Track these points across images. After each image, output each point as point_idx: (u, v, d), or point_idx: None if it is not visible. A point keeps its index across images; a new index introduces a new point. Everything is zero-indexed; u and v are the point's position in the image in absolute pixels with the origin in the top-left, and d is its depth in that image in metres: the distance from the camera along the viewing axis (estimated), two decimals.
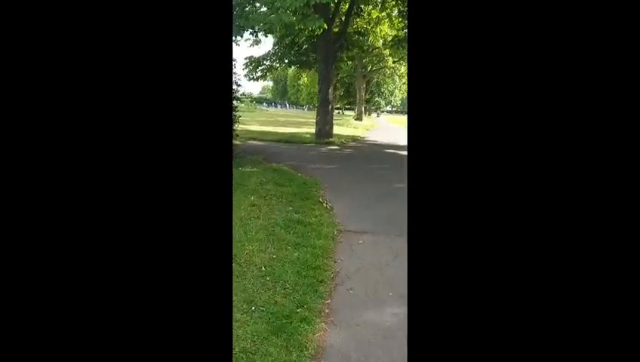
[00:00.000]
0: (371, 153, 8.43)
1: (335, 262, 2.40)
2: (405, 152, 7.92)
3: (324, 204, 3.58)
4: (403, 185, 5.09)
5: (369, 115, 39.82)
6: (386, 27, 13.84)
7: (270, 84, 56.77)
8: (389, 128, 20.23)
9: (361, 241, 2.80)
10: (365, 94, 27.14)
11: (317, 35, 9.50)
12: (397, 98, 33.61)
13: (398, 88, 29.51)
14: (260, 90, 66.08)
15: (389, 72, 26.49)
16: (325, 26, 6.58)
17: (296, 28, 6.93)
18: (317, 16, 6.43)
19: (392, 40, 11.59)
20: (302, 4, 5.59)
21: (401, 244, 2.80)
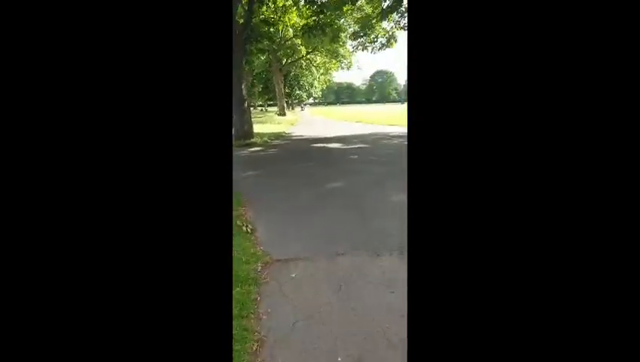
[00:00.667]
0: (297, 150, 7.81)
1: (259, 321, 1.70)
2: (333, 145, 7.83)
3: (244, 227, 2.82)
4: (338, 184, 4.75)
5: (292, 109, 39.40)
6: (294, 16, 13.27)
7: None
8: (313, 121, 19.88)
9: (293, 275, 2.13)
10: (285, 88, 26.45)
11: None
12: (317, 89, 33.53)
13: (317, 79, 29.37)
14: None
15: (305, 63, 26.14)
16: None
17: None
18: None
19: (302, 29, 11.03)
20: None
21: (347, 265, 2.22)
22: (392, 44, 12.67)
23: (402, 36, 12.84)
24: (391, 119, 16.34)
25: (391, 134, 10.24)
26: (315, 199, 3.68)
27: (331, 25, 10.70)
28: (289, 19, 13.14)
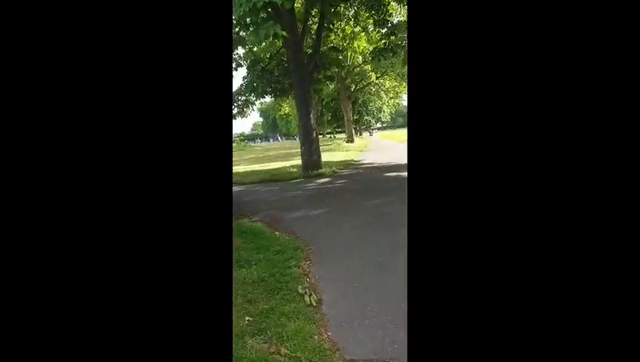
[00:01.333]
0: (369, 180, 7.07)
1: None
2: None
3: (307, 297, 2.15)
4: None
5: (360, 134, 39.09)
6: (363, 42, 12.97)
7: (260, 119, 56.56)
8: (382, 146, 19.05)
9: None
10: (353, 115, 26.24)
11: (287, 59, 8.50)
12: (386, 114, 32.78)
13: (386, 104, 28.67)
14: (252, 127, 66.05)
15: (374, 89, 25.77)
16: (284, 33, 5.45)
17: (248, 40, 6.10)
18: (272, 22, 5.30)
19: (371, 53, 10.56)
20: (249, 8, 4.40)
21: None
22: None
23: None
24: None
25: None
26: (398, 249, 2.88)
27: (403, 46, 10.01)
28: (358, 45, 12.86)
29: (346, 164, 9.84)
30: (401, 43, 9.91)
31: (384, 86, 23.94)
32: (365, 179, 7.35)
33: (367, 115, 31.48)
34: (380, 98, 27.86)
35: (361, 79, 20.92)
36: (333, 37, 11.06)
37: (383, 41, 9.82)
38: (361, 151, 15.54)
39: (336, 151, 15.62)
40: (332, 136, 37.32)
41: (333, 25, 9.99)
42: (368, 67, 16.89)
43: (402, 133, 39.82)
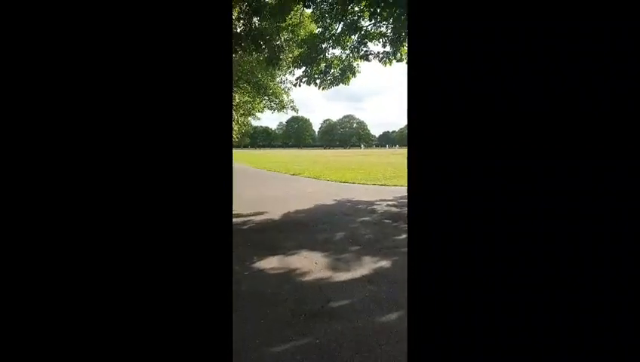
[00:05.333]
0: None
1: None
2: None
3: None
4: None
5: None
6: None
7: None
8: (236, 170, 15.38)
9: None
10: None
11: None
12: (235, 132, 29.13)
13: (235, 121, 25.09)
14: None
15: None
16: None
17: None
18: None
19: None
20: None
21: None
22: (348, 78, 9.49)
23: (363, 66, 9.54)
24: (334, 170, 12.92)
25: (376, 206, 6.52)
26: None
27: (269, 38, 6.91)
28: None
29: None
30: (267, 29, 6.78)
31: (234, 100, 20.41)
32: None
33: None
34: None
35: None
36: None
37: (240, 23, 6.47)
38: None
39: None
40: None
41: None
42: None
43: (252, 154, 36.85)
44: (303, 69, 9.40)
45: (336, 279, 2.88)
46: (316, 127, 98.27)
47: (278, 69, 9.57)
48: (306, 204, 6.51)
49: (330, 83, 9.77)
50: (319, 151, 52.56)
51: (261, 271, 3.06)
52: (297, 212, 5.84)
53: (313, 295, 2.55)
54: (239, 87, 17.52)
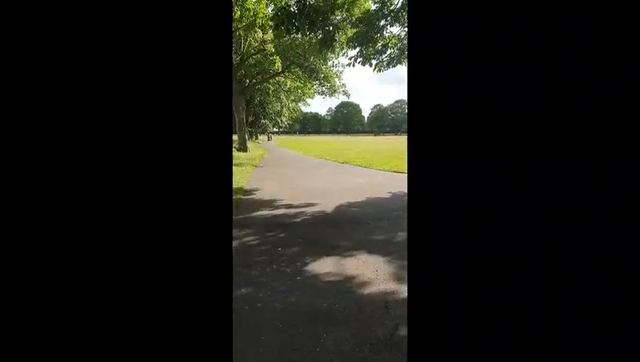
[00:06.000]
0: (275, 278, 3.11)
1: None
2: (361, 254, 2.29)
3: None
4: None
5: (256, 138, 34.69)
6: (263, 5, 8.97)
7: None
8: (283, 158, 15.33)
9: None
10: (247, 116, 21.83)
11: None
12: (285, 119, 29.27)
13: (286, 107, 25.10)
14: None
15: (272, 87, 21.87)
16: None
17: None
18: None
19: (276, 16, 6.60)
20: None
21: None
22: (405, 58, 8.69)
23: None
24: (385, 158, 12.22)
25: None
26: None
27: (324, 14, 6.42)
28: (254, 9, 8.80)
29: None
30: (321, 5, 6.29)
31: (285, 85, 20.29)
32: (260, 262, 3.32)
33: (265, 117, 27.40)
34: (280, 100, 24.18)
35: (259, 72, 16.74)
36: None
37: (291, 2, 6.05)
38: (255, 166, 11.39)
39: None
40: None
41: None
42: (271, 48, 12.77)
43: (302, 141, 36.99)
44: (358, 49, 8.79)
45: (404, 294, 2.42)
46: (366, 113, 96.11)
47: (332, 51, 9.03)
48: (359, 196, 6.06)
49: (387, 64, 9.06)
50: (369, 137, 51.41)
51: (315, 276, 2.70)
52: (350, 205, 5.41)
53: (378, 316, 2.13)
54: (290, 71, 17.30)
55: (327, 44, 7.62)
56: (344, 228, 4.05)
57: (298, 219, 4.56)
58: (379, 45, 8.66)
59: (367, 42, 8.32)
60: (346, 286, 2.54)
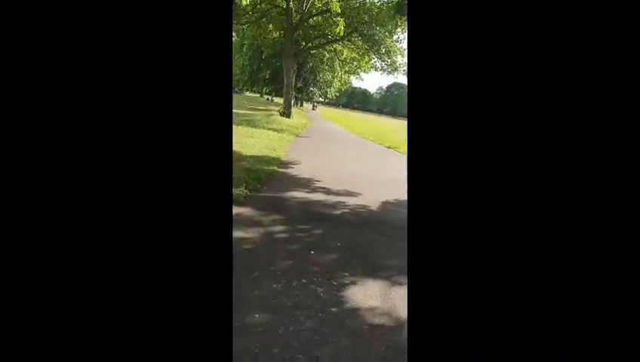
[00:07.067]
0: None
1: None
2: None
3: None
4: None
5: (301, 105, 34.00)
6: None
7: None
8: (326, 132, 14.50)
9: None
10: (296, 81, 20.96)
11: None
12: (334, 89, 28.02)
13: (338, 78, 23.84)
14: None
15: (328, 55, 20.69)
16: None
17: None
18: None
19: None
20: None
21: None
22: None
23: None
24: None
25: None
26: None
27: None
28: None
29: (263, 175, 4.97)
30: None
31: (341, 55, 19.02)
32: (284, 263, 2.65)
33: (314, 85, 26.35)
34: (333, 70, 22.96)
35: (317, 36, 15.63)
36: None
37: None
38: (296, 136, 10.69)
39: (260, 127, 10.51)
40: (270, 98, 31.50)
41: None
42: (336, 11, 11.59)
43: (350, 116, 35.60)
44: None
45: None
46: None
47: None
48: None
49: None
50: None
51: (356, 311, 1.99)
52: (398, 204, 4.59)
53: None
54: (350, 41, 16.01)
55: (404, 10, 6.51)
56: (393, 237, 3.28)
57: (337, 212, 3.84)
58: None
59: None
60: (396, 335, 1.81)
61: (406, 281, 2.41)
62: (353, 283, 2.30)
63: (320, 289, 2.14)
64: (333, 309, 1.96)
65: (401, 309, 2.06)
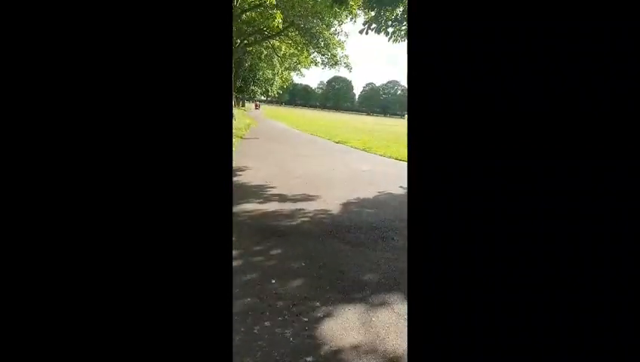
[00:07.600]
0: None
1: None
2: None
3: None
4: None
5: (242, 105, 32.83)
6: None
7: None
8: (272, 132, 13.93)
9: None
10: (236, 81, 19.99)
11: None
12: (275, 87, 27.35)
13: (279, 75, 23.20)
14: None
15: (265, 52, 19.99)
16: None
17: None
18: None
19: None
20: None
21: None
22: None
23: None
24: (383, 141, 11.07)
25: None
26: None
27: None
28: None
29: None
30: None
31: (280, 51, 18.47)
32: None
33: (254, 84, 25.44)
34: (273, 67, 22.29)
35: (253, 32, 14.88)
36: None
37: None
38: (241, 138, 10.05)
39: None
40: None
41: None
42: (271, 3, 10.98)
43: (293, 113, 35.03)
44: (373, 14, 7.46)
45: None
46: (356, 91, 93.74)
47: (346, 8, 7.63)
48: (368, 191, 4.97)
49: (405, 34, 7.77)
50: (360, 116, 50.18)
51: (335, 355, 1.61)
52: (360, 203, 4.32)
53: None
54: (287, 36, 15.54)
55: (341, 0, 6.24)
56: (362, 245, 2.96)
57: (296, 222, 3.43)
58: (399, 11, 7.33)
59: (387, 4, 6.96)
60: None
61: (386, 300, 2.10)
62: (327, 314, 1.92)
63: (288, 333, 1.72)
64: (309, 360, 1.56)
65: (388, 340, 1.72)
